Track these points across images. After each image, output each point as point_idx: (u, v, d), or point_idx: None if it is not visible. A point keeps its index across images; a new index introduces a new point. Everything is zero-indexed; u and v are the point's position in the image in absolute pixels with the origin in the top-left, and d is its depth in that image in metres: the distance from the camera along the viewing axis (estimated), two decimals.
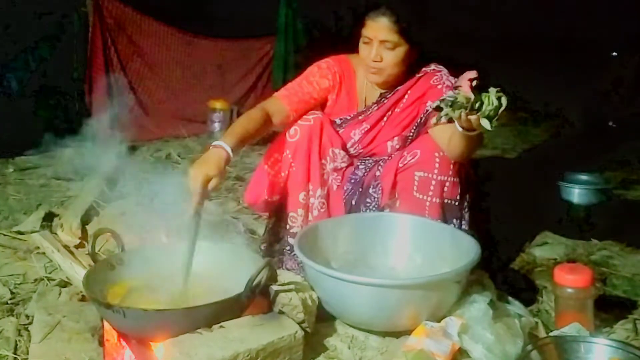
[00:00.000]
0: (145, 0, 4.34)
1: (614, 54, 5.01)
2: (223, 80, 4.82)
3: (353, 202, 2.13)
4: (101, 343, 1.62)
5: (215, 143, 1.86)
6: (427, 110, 2.06)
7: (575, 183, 2.69)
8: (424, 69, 2.12)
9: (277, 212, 2.17)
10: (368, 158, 2.19)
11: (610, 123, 4.66)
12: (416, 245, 2.05)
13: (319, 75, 2.16)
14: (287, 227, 2.13)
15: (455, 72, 2.01)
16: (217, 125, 4.54)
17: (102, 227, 1.93)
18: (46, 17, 3.73)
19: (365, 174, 2.15)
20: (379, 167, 2.13)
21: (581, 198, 2.63)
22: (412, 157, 1.98)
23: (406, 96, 2.12)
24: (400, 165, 2.01)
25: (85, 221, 2.51)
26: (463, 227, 2.04)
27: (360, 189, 2.13)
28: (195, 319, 1.54)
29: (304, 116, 2.11)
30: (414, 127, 2.13)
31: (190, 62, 4.60)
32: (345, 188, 2.16)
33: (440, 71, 2.12)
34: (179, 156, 3.82)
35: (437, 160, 1.95)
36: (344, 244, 2.06)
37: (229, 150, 1.83)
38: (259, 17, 5.00)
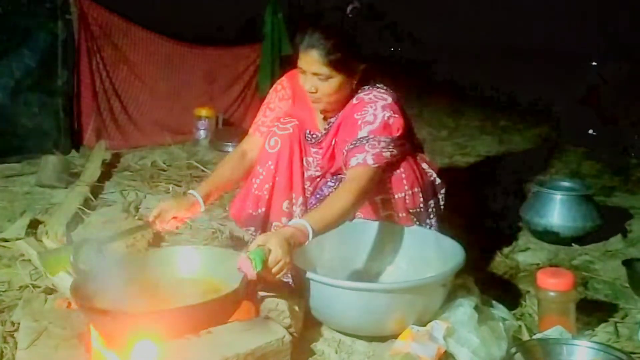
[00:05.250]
0: (131, 7, 4.34)
1: (594, 63, 5.11)
2: (210, 88, 4.82)
3: None
4: (88, 349, 1.61)
5: (189, 192, 2.01)
6: (344, 153, 1.97)
7: (557, 189, 2.73)
8: (362, 94, 2.01)
9: (263, 225, 2.18)
10: (338, 175, 2.18)
11: (590, 131, 4.74)
12: (401, 250, 2.08)
13: (277, 99, 2.22)
14: None
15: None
16: (202, 133, 4.55)
17: (83, 239, 1.93)
18: (31, 23, 3.71)
19: (330, 193, 2.14)
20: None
21: (562, 204, 2.66)
22: None
23: (341, 126, 2.05)
24: None
25: (70, 228, 2.50)
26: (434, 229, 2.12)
27: None
28: (192, 318, 1.52)
29: (282, 125, 2.14)
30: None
31: (177, 69, 4.60)
32: (310, 201, 2.18)
33: (373, 102, 1.98)
34: (164, 163, 3.81)
35: (388, 181, 2.01)
36: (330, 250, 2.07)
37: (199, 198, 1.99)
38: (245, 24, 5.03)
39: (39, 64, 3.77)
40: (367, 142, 1.91)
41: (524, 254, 2.57)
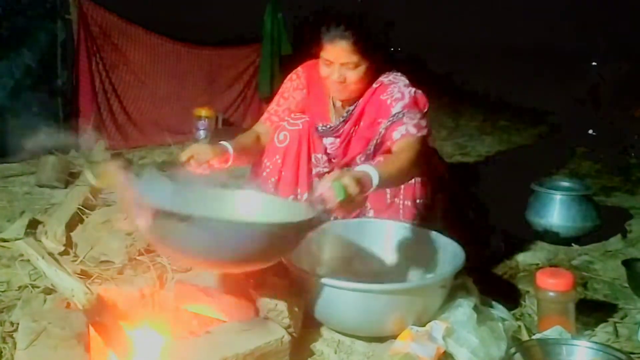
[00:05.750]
0: (131, 7, 4.34)
1: (593, 63, 5.11)
2: (210, 88, 4.82)
3: None
4: (87, 349, 1.61)
5: (219, 142, 1.98)
6: (380, 132, 2.04)
7: (557, 189, 2.73)
8: (381, 78, 2.09)
9: None
10: (348, 167, 2.20)
11: (590, 131, 4.74)
12: (401, 250, 2.08)
13: (292, 88, 2.25)
14: None
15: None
16: (202, 133, 4.55)
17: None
18: (30, 24, 3.71)
19: None
20: None
21: (562, 204, 2.66)
22: None
23: (365, 110, 2.10)
24: None
25: (69, 229, 2.49)
26: (437, 226, 2.10)
27: None
28: (268, 237, 1.48)
29: (292, 120, 2.16)
30: (372, 146, 2.12)
31: (177, 70, 4.60)
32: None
33: (395, 83, 2.06)
34: (163, 163, 3.81)
35: None
36: (329, 250, 2.07)
37: (230, 149, 1.96)
38: (245, 24, 5.02)
39: (39, 64, 3.77)
40: (404, 116, 1.97)
41: (524, 254, 2.57)
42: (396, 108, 1.99)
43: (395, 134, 1.95)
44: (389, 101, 2.02)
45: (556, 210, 2.64)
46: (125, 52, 4.27)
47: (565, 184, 2.84)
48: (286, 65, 4.78)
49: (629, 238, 2.76)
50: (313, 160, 2.18)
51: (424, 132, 1.97)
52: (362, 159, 2.16)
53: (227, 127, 4.80)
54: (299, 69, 2.27)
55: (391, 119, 1.98)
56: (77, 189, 2.99)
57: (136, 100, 4.39)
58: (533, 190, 2.80)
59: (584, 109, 4.92)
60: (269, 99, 5.00)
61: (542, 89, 6.25)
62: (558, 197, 2.67)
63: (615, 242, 2.69)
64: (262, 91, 4.97)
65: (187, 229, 1.40)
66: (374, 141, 2.08)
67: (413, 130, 1.93)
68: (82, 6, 3.95)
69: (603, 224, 2.68)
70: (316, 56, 2.05)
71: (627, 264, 2.22)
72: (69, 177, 3.26)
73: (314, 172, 2.19)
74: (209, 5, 5.25)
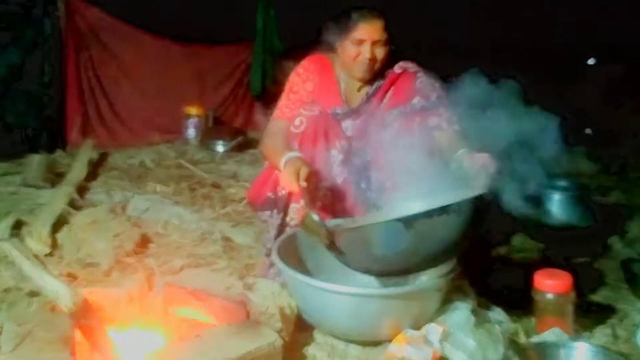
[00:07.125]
0: (119, 4, 4.28)
1: (589, 62, 5.11)
2: (200, 86, 4.77)
3: (363, 186, 2.14)
4: (73, 353, 1.57)
5: (288, 156, 1.97)
6: (415, 106, 2.15)
7: (554, 189, 2.71)
8: (400, 64, 2.22)
9: (284, 206, 2.11)
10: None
11: (587, 130, 4.74)
12: None
13: (301, 81, 2.26)
14: (288, 219, 2.10)
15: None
16: (192, 132, 4.50)
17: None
18: (17, 20, 3.66)
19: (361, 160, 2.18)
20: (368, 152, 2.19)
21: (559, 204, 2.64)
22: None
23: (389, 93, 2.20)
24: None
25: (55, 229, 2.44)
26: None
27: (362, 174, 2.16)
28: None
29: (308, 107, 2.15)
30: (391, 116, 2.16)
31: (167, 67, 4.55)
32: (350, 177, 2.14)
33: (418, 71, 2.22)
34: (152, 163, 3.76)
35: (415, 125, 2.09)
36: (323, 252, 2.02)
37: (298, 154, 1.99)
38: (236, 22, 4.97)
39: (25, 61, 3.72)
40: (440, 106, 2.13)
41: (521, 254, 2.55)
42: (432, 97, 2.17)
43: (430, 122, 2.11)
44: (426, 91, 2.18)
45: (553, 210, 2.63)
46: (113, 49, 4.22)
47: (563, 183, 2.82)
48: (278, 63, 4.75)
49: (627, 238, 2.74)
50: (338, 146, 2.13)
51: (455, 126, 2.09)
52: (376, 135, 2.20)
53: (218, 125, 4.75)
54: (304, 62, 2.29)
55: (430, 104, 2.15)
56: (63, 188, 2.94)
57: (124, 99, 4.34)
58: (530, 190, 2.78)
59: (581, 108, 4.90)
60: (260, 97, 4.99)
61: (538, 88, 6.24)
62: (555, 196, 2.66)
63: (613, 242, 2.66)
64: (253, 89, 4.93)
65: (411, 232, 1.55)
66: (397, 111, 2.15)
67: (444, 125, 2.09)
68: (70, 3, 3.90)
69: (600, 224, 2.66)
70: (332, 49, 2.18)
71: (626, 264, 2.20)
72: (55, 177, 3.20)
73: (340, 158, 2.14)
74: (200, 2, 5.21)
